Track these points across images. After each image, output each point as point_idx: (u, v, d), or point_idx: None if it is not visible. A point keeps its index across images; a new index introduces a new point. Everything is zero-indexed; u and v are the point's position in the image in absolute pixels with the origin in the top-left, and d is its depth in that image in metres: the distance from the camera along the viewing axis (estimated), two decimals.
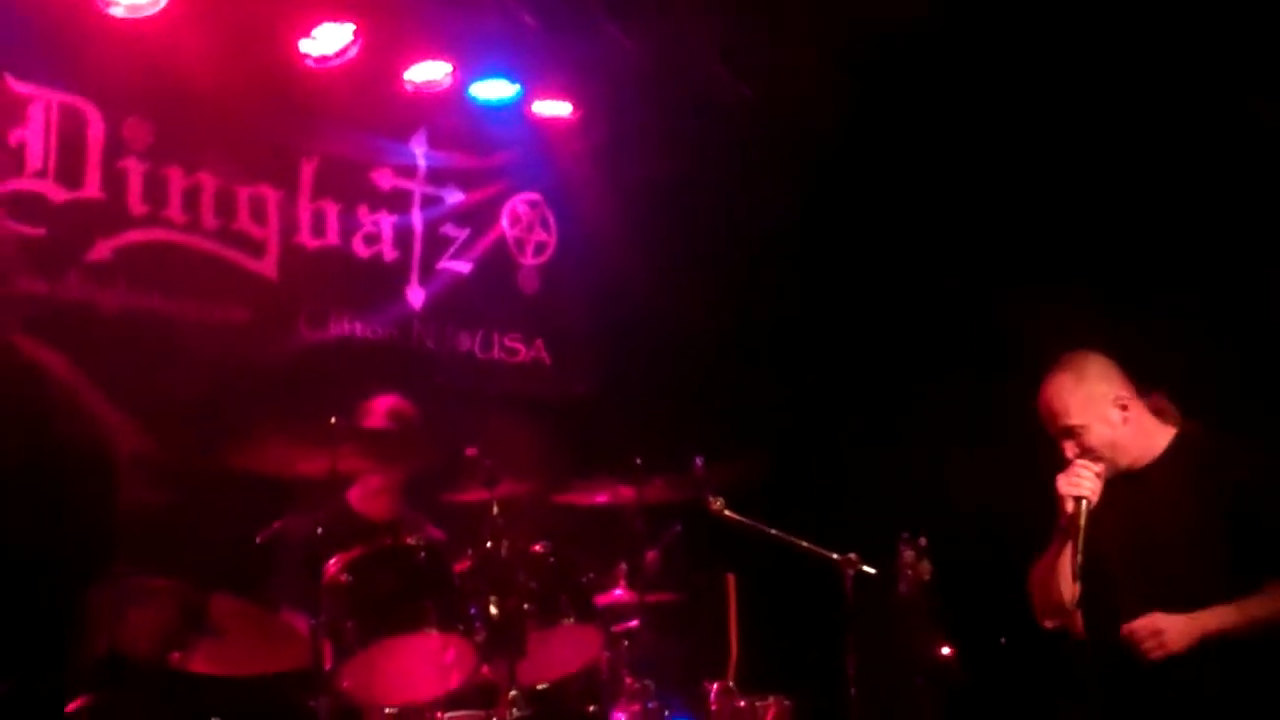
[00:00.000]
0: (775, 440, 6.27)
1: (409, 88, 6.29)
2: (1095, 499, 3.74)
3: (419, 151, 6.51)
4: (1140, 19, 5.66)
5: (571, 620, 4.38)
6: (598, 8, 6.28)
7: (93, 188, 5.36)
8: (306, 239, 6.04)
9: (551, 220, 7.04)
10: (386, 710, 4.23)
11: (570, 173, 6.97)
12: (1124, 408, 3.84)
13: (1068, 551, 3.75)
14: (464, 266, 6.65)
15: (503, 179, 6.85)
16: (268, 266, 5.89)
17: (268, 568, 4.65)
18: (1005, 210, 6.48)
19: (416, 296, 6.44)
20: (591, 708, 4.52)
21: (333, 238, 6.14)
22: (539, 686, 4.39)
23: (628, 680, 4.71)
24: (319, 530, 4.18)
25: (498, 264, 6.79)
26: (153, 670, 4.05)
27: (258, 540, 4.64)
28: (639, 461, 4.92)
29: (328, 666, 3.98)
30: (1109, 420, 3.83)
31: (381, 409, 5.01)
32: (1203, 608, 3.62)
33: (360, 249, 6.23)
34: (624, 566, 5.04)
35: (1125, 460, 3.84)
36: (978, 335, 6.47)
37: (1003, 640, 6.30)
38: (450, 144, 6.60)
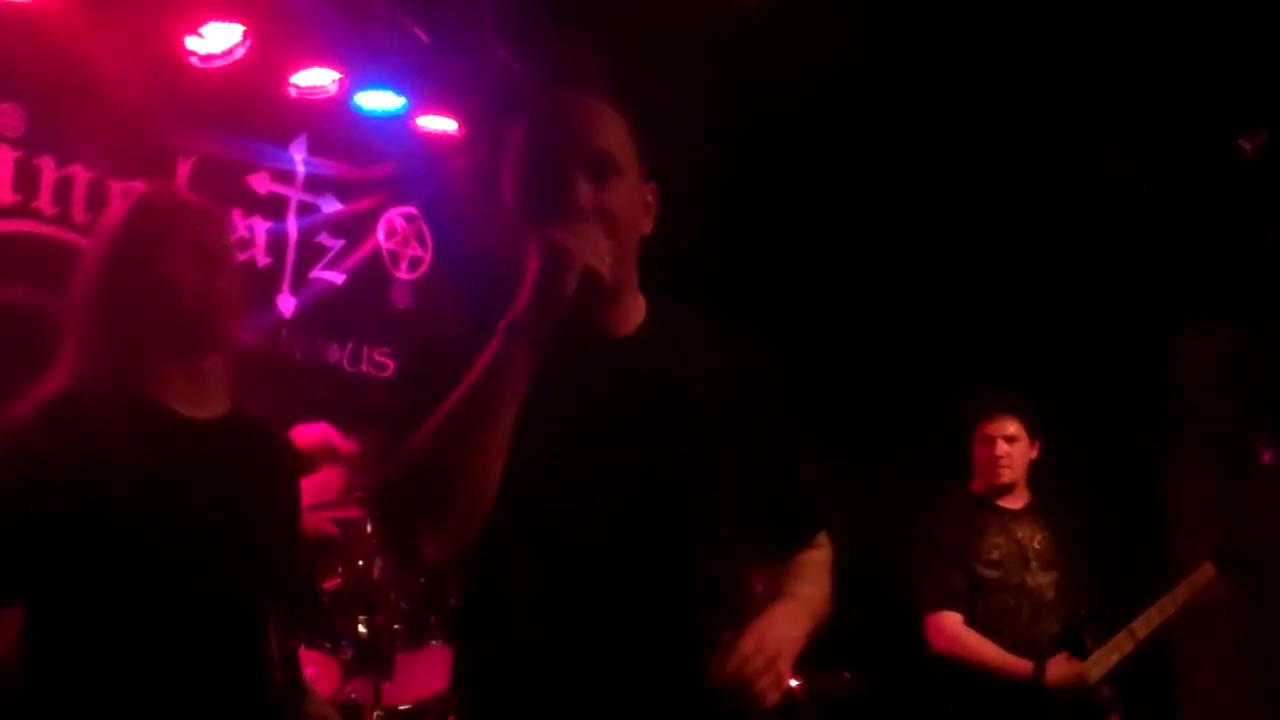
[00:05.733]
0: None
1: (293, 92, 6.18)
2: (607, 283, 2.17)
3: (298, 157, 6.40)
4: None
5: (438, 641, 4.35)
6: (488, 30, 6.26)
7: None
8: None
9: (428, 236, 6.99)
10: None
11: (450, 189, 6.93)
12: (648, 206, 2.42)
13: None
14: (337, 277, 6.56)
15: (381, 191, 6.78)
16: None
17: None
18: None
19: (287, 305, 6.33)
20: None
21: None
22: (401, 707, 4.35)
23: None
24: None
25: (371, 277, 6.72)
26: None
27: None
28: None
29: None
30: (639, 194, 2.37)
31: None
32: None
33: None
34: None
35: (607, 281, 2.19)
36: None
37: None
38: (331, 152, 6.51)
